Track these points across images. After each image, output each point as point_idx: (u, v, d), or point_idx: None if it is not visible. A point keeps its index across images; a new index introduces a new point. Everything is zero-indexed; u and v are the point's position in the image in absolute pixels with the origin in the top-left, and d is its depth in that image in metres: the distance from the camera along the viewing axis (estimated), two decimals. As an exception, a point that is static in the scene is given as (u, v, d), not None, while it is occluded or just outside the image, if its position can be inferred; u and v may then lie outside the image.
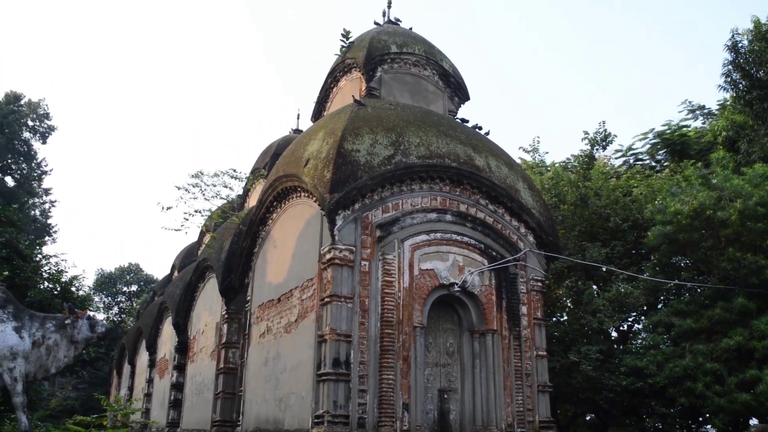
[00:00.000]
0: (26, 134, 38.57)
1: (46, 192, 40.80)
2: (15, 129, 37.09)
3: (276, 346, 13.53)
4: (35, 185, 39.50)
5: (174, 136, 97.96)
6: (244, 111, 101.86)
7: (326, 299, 11.58)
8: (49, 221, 40.07)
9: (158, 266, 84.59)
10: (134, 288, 48.73)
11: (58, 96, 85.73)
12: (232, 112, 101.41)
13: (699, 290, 16.20)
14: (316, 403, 11.29)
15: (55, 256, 13.66)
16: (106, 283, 47.44)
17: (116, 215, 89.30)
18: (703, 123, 25.46)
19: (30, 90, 66.85)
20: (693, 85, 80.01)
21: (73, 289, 12.53)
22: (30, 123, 38.65)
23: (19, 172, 38.33)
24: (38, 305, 10.14)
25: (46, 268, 11.85)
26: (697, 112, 26.09)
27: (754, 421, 15.59)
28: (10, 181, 37.78)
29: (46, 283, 11.60)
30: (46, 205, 40.81)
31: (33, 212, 39.06)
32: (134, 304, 45.91)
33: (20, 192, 37.29)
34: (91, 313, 6.76)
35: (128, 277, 48.51)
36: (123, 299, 48.64)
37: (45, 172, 39.82)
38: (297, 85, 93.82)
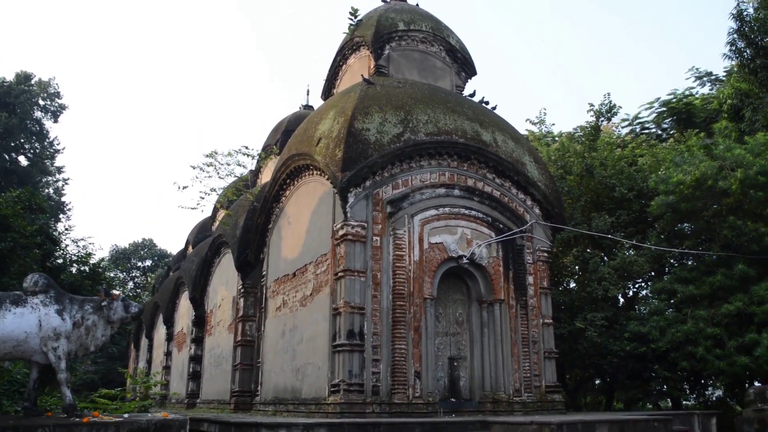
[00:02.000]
0: (38, 113, 38.90)
1: (59, 170, 41.33)
2: (26, 108, 37.41)
3: (292, 318, 14.08)
4: (48, 164, 39.98)
5: (185, 111, 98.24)
6: (255, 87, 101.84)
7: (340, 274, 12.09)
8: (62, 199, 40.64)
9: (172, 241, 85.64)
10: (148, 263, 49.48)
11: (69, 74, 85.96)
12: (243, 88, 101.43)
13: (701, 257, 16.59)
14: (332, 372, 11.87)
15: (82, 239, 14.30)
16: (121, 258, 48.22)
17: (129, 191, 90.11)
18: (711, 89, 25.56)
19: (40, 69, 67.02)
20: (701, 51, 79.30)
21: (100, 270, 13.09)
22: (41, 102, 38.95)
23: (32, 151, 38.80)
24: (70, 287, 10.69)
25: (74, 251, 12.44)
26: (705, 78, 26.16)
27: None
28: (23, 160, 38.30)
29: (76, 266, 12.16)
30: (59, 183, 41.36)
31: (47, 190, 39.58)
32: (149, 279, 46.69)
33: (34, 171, 37.80)
34: (117, 292, 7.23)
35: (142, 252, 49.23)
36: (138, 274, 49.46)
37: (57, 151, 40.29)
38: (307, 60, 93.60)
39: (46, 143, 39.30)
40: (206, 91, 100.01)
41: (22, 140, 37.83)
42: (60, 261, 11.72)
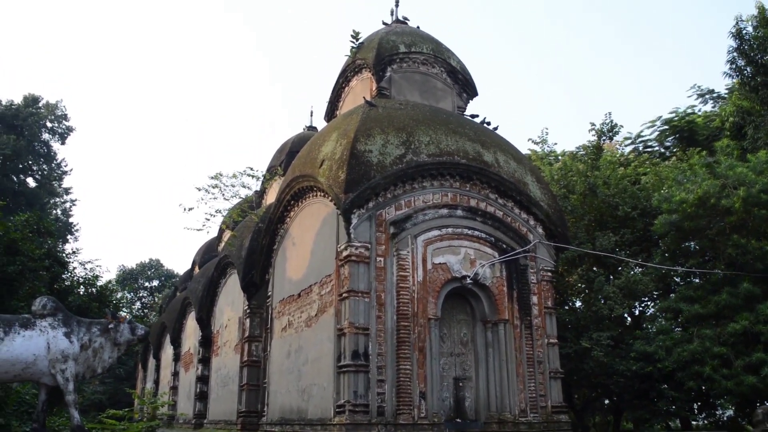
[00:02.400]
0: (45, 136, 39.49)
1: (66, 191, 41.75)
2: (34, 131, 37.99)
3: (298, 339, 14.13)
4: (56, 185, 40.39)
5: (190, 133, 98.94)
6: (260, 108, 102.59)
7: (344, 294, 12.15)
8: (70, 220, 40.95)
9: (178, 261, 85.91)
10: (155, 283, 49.68)
11: (76, 97, 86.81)
12: (247, 109, 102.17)
13: (706, 276, 16.59)
14: (338, 393, 11.88)
15: (90, 261, 14.55)
16: (128, 278, 48.42)
17: (136, 212, 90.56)
18: (713, 107, 25.69)
19: (47, 92, 67.91)
20: (703, 68, 79.60)
21: (107, 292, 13.29)
22: (48, 124, 39.53)
23: (39, 173, 39.25)
24: (77, 309, 10.83)
25: (82, 273, 12.63)
26: (707, 96, 26.32)
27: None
28: (31, 182, 38.75)
29: (83, 288, 12.33)
30: (67, 205, 41.78)
31: (54, 212, 39.95)
32: (156, 299, 46.82)
33: (41, 192, 38.24)
34: (124, 314, 7.33)
35: (149, 273, 49.46)
36: (145, 294, 49.62)
37: (65, 172, 40.77)
38: (310, 82, 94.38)
39: (53, 165, 39.79)
40: (212, 111, 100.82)
41: (29, 162, 38.35)
42: (68, 283, 11.89)
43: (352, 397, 11.48)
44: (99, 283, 12.81)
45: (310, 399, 13.02)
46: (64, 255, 12.20)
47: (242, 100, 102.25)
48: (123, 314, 6.88)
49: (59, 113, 39.71)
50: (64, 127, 39.97)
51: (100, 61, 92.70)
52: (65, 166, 40.58)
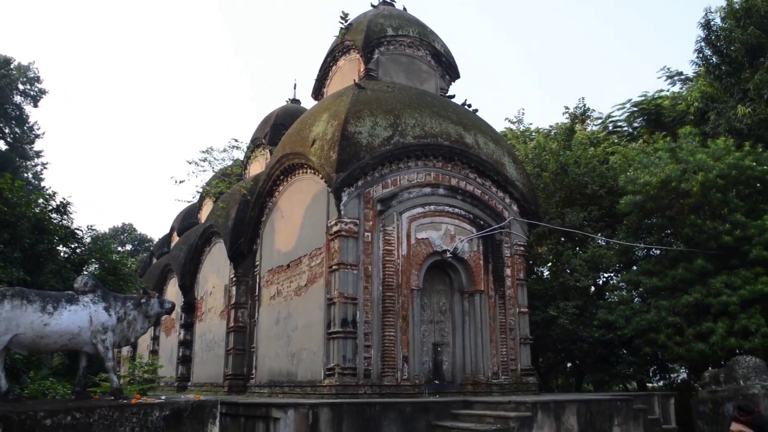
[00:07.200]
0: (17, 98, 38.98)
1: (38, 154, 41.49)
2: (6, 93, 37.51)
3: (287, 307, 15.04)
4: (27, 148, 40.12)
5: (165, 97, 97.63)
6: (240, 77, 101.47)
7: (334, 267, 13.08)
8: (41, 183, 40.81)
9: (152, 226, 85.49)
10: (128, 248, 49.78)
11: (51, 61, 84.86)
12: (226, 78, 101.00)
13: (665, 252, 17.88)
14: (327, 357, 12.89)
15: (101, 238, 15.12)
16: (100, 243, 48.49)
17: (108, 176, 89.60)
18: (681, 88, 26.80)
19: (20, 54, 66.47)
20: (674, 52, 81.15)
21: (121, 266, 14.02)
22: (21, 87, 39.02)
23: (11, 135, 38.89)
24: (95, 281, 11.50)
25: (94, 248, 13.25)
26: (675, 78, 27.39)
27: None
28: (2, 144, 38.43)
29: (98, 264, 12.98)
30: (38, 168, 41.57)
31: (26, 175, 39.77)
32: (130, 264, 47.04)
33: (13, 155, 37.98)
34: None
35: (122, 237, 49.53)
36: (117, 258, 49.72)
37: (37, 136, 40.42)
38: (293, 54, 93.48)
39: (25, 128, 39.42)
40: (189, 77, 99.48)
41: (1, 125, 37.94)
42: (85, 257, 12.54)
43: (341, 361, 12.50)
44: (113, 258, 13.47)
45: (300, 363, 13.99)
46: (81, 231, 12.80)
47: (221, 69, 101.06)
48: (152, 292, 7.68)
49: (32, 75, 39.21)
50: (36, 89, 39.52)
51: (73, 24, 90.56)
52: (37, 129, 40.25)
